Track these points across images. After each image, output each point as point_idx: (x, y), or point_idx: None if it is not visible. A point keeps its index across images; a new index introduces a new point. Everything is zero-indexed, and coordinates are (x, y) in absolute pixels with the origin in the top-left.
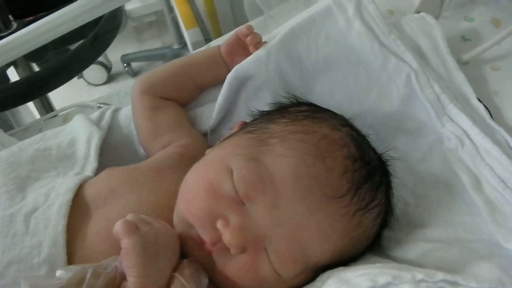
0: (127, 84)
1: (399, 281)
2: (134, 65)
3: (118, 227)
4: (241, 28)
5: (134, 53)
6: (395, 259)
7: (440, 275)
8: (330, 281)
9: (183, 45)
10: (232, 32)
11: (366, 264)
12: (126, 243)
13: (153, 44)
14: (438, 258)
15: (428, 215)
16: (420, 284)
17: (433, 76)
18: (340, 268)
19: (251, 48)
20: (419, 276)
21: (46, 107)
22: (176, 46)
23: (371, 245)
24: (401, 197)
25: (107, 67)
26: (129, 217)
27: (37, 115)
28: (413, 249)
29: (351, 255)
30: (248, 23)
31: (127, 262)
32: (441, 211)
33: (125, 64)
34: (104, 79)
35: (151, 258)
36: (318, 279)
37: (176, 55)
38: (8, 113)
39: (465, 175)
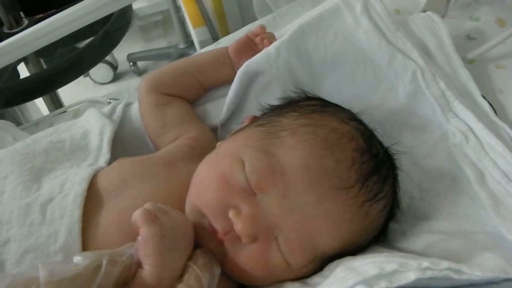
0: (133, 83)
1: (406, 269)
2: (140, 64)
3: (137, 215)
4: (254, 28)
5: (140, 52)
6: (401, 250)
7: (445, 264)
8: (338, 269)
9: (189, 44)
10: (242, 33)
11: (373, 253)
12: (145, 232)
13: (159, 43)
14: (443, 249)
15: (433, 208)
16: (426, 271)
17: (438, 73)
18: (348, 258)
19: (261, 48)
20: (425, 264)
21: (56, 103)
22: (182, 46)
23: (377, 236)
24: (407, 190)
25: (113, 66)
26: (148, 206)
27: (45, 112)
28: (419, 241)
29: (358, 246)
30: (261, 23)
31: (145, 251)
32: (446, 204)
33: (131, 63)
34: (110, 78)
35: (168, 248)
36: (326, 268)
37: (182, 54)
38: (17, 109)
39: (469, 170)
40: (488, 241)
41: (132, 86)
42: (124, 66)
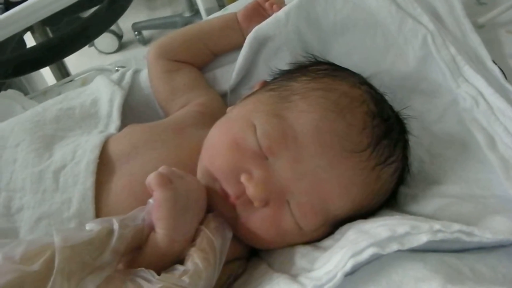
0: (138, 52)
1: (417, 231)
2: (145, 33)
3: (152, 179)
4: None
5: (145, 21)
6: (411, 214)
7: (456, 226)
8: (349, 232)
9: (194, 13)
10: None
11: (385, 217)
12: (159, 195)
13: (164, 12)
14: (454, 212)
15: (443, 172)
16: (437, 234)
17: (449, 38)
18: (359, 221)
19: (271, 13)
20: (437, 226)
21: (63, 72)
22: (187, 14)
23: (388, 200)
24: (417, 155)
25: (118, 35)
26: (162, 169)
27: (50, 82)
28: (429, 205)
29: (369, 209)
30: None
31: (158, 214)
32: (456, 168)
33: (136, 32)
34: (115, 47)
35: (181, 212)
36: (337, 231)
37: (187, 23)
38: (23, 79)
39: (479, 134)
40: (499, 205)
41: (139, 54)
42: (129, 35)
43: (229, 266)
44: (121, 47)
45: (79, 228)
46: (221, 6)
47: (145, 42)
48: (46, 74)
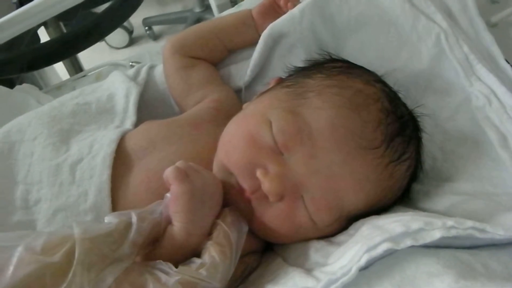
0: (151, 47)
1: (431, 227)
2: (156, 28)
3: (169, 173)
4: None
5: (156, 16)
6: (424, 211)
7: (469, 223)
8: (363, 227)
9: (205, 8)
10: None
11: (398, 213)
12: (176, 189)
13: (174, 7)
14: (466, 209)
15: (456, 170)
16: (451, 230)
17: (462, 36)
18: (373, 217)
19: (285, 11)
20: (450, 223)
21: (76, 67)
22: (197, 10)
23: (401, 197)
24: (430, 152)
25: (129, 30)
26: (179, 164)
27: (64, 76)
28: (442, 201)
29: (382, 205)
30: None
31: (175, 208)
32: (469, 166)
33: (146, 28)
34: (126, 42)
35: (197, 206)
36: (351, 227)
37: (198, 18)
38: (36, 74)
39: (492, 133)
40: (510, 202)
41: (153, 49)
42: (139, 30)
43: (244, 259)
44: (132, 42)
45: (98, 220)
46: (233, 2)
47: (155, 37)
48: (59, 69)
